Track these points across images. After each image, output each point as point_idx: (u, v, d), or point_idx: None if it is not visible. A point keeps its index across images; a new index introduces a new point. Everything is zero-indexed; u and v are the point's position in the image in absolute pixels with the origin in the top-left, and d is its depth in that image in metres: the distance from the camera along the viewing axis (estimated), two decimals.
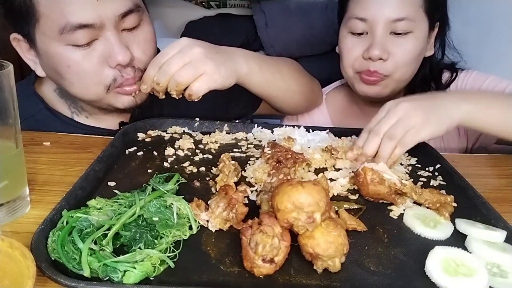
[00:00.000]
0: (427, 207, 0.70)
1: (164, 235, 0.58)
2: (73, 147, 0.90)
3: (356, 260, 0.58)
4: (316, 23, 2.19)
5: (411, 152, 0.90)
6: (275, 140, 0.90)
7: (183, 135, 0.95)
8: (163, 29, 2.45)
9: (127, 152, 0.86)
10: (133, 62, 0.89)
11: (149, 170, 0.79)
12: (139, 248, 0.56)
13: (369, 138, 0.77)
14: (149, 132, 0.95)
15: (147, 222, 0.60)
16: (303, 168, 0.80)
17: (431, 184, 0.79)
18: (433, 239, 0.63)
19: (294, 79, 1.05)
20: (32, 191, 0.71)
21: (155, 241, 0.57)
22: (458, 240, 0.63)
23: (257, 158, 0.84)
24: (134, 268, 0.52)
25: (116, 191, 0.68)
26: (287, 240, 0.55)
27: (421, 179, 0.81)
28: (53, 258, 0.55)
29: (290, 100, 1.06)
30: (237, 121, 1.14)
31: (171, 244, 0.58)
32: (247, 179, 0.78)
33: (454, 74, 1.13)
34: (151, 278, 0.53)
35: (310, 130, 0.96)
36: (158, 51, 1.00)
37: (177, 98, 0.82)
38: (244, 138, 0.96)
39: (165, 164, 0.82)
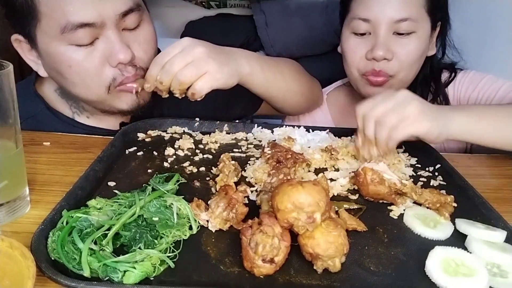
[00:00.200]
0: (427, 207, 0.70)
1: (164, 235, 0.58)
2: (73, 147, 0.90)
3: (356, 260, 0.58)
4: (316, 23, 2.19)
5: (411, 152, 0.90)
6: (275, 140, 0.90)
7: (183, 135, 0.95)
8: (163, 29, 2.45)
9: (127, 152, 0.86)
10: (134, 61, 0.89)
11: (149, 170, 0.79)
12: (139, 248, 0.56)
13: (365, 122, 0.76)
14: (149, 132, 0.95)
15: (147, 222, 0.60)
16: (303, 168, 0.80)
17: (431, 184, 0.79)
18: (433, 239, 0.63)
19: (295, 80, 1.05)
20: (32, 191, 0.71)
21: (155, 241, 0.57)
22: (458, 240, 0.63)
23: (257, 158, 0.84)
24: (134, 268, 0.52)
25: (116, 191, 0.68)
26: (287, 240, 0.55)
27: (421, 179, 0.81)
28: (53, 258, 0.55)
29: (291, 100, 1.06)
30: (237, 121, 1.14)
31: (171, 244, 0.58)
32: (247, 179, 0.78)
33: (453, 74, 1.13)
34: (151, 278, 0.53)
35: (310, 130, 0.96)
36: (158, 51, 1.00)
37: (180, 97, 0.82)
38: (244, 138, 0.96)
39: (165, 164, 0.82)
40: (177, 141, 0.91)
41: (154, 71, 0.82)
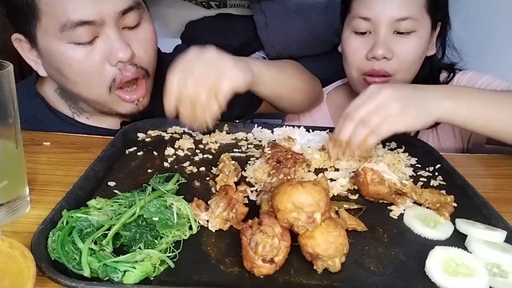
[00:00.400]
0: (427, 207, 0.70)
1: (164, 235, 0.58)
2: (73, 147, 0.90)
3: (356, 260, 0.58)
4: (316, 23, 2.19)
5: (411, 152, 0.90)
6: (275, 140, 0.90)
7: (183, 135, 0.95)
8: (163, 29, 2.45)
9: (127, 152, 0.86)
10: (133, 59, 0.89)
11: (149, 170, 0.79)
12: (139, 248, 0.56)
13: (344, 123, 0.78)
14: (149, 132, 0.95)
15: (147, 222, 0.60)
16: (303, 168, 0.80)
17: (431, 184, 0.79)
18: (433, 239, 0.63)
19: (298, 78, 1.06)
20: (32, 191, 0.71)
21: (155, 241, 0.57)
22: (458, 240, 0.63)
23: (257, 158, 0.84)
24: (134, 268, 0.52)
25: (116, 191, 0.68)
26: (287, 240, 0.55)
27: (421, 179, 0.81)
28: (53, 258, 0.55)
29: (295, 99, 1.07)
30: (237, 121, 1.14)
31: (171, 244, 0.58)
32: (247, 179, 0.78)
33: (452, 74, 1.13)
34: (151, 278, 0.53)
35: (310, 130, 0.96)
36: (159, 50, 1.00)
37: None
38: (244, 138, 0.96)
39: (165, 164, 0.82)
40: (177, 141, 0.91)
41: (176, 81, 0.78)
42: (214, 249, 0.59)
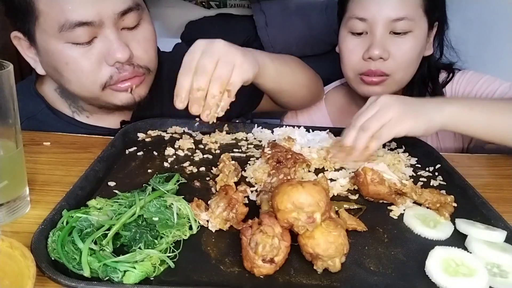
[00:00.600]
0: (427, 207, 0.70)
1: (164, 235, 0.58)
2: (73, 147, 0.90)
3: (356, 260, 0.58)
4: (316, 23, 2.19)
5: (411, 152, 0.90)
6: (275, 140, 0.90)
7: (183, 135, 0.95)
8: (163, 29, 2.45)
9: (127, 152, 0.86)
10: (132, 59, 0.89)
11: (149, 170, 0.79)
12: (139, 248, 0.56)
13: (348, 130, 0.80)
14: (149, 132, 0.95)
15: (147, 222, 0.60)
16: (303, 168, 0.80)
17: (431, 184, 0.79)
18: (433, 239, 0.63)
19: (301, 72, 1.06)
20: (32, 191, 0.71)
21: (155, 241, 0.57)
22: (458, 240, 0.63)
23: (257, 158, 0.84)
24: (134, 268, 0.52)
25: (116, 191, 0.68)
26: (287, 240, 0.55)
27: (421, 179, 0.81)
28: (53, 258, 0.55)
29: (297, 93, 1.07)
30: (237, 121, 1.14)
31: (171, 244, 0.58)
32: (247, 179, 0.78)
33: (451, 75, 1.13)
34: (151, 278, 0.53)
35: (310, 130, 0.96)
36: (158, 50, 1.00)
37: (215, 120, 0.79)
38: (244, 138, 0.96)
39: (165, 164, 0.82)
40: (177, 141, 0.91)
41: (187, 81, 0.76)
42: (214, 249, 0.59)
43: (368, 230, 0.64)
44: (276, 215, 0.56)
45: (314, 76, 1.15)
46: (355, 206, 0.71)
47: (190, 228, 0.61)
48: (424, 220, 0.66)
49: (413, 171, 0.84)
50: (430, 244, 0.60)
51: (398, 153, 0.89)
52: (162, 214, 0.61)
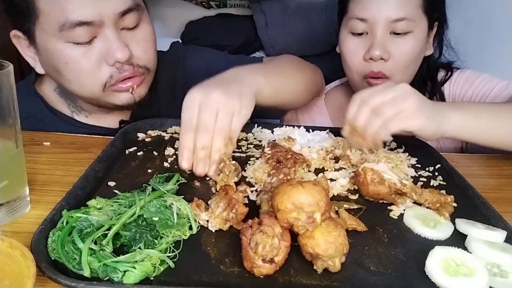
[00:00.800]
0: (427, 207, 0.70)
1: (164, 235, 0.58)
2: (73, 147, 0.90)
3: (356, 260, 0.58)
4: (316, 23, 2.19)
5: (411, 152, 0.90)
6: (275, 140, 0.90)
7: None
8: (163, 29, 2.45)
9: (127, 152, 0.86)
10: (132, 59, 0.89)
11: (149, 170, 0.79)
12: (139, 248, 0.56)
13: (359, 108, 0.75)
14: (149, 132, 0.95)
15: (147, 222, 0.60)
16: (303, 168, 0.80)
17: (431, 184, 0.79)
18: (433, 239, 0.63)
19: (299, 78, 1.04)
20: (32, 191, 0.71)
21: (155, 241, 0.57)
22: (458, 240, 0.63)
23: (257, 158, 0.84)
24: (134, 268, 0.52)
25: (116, 191, 0.68)
26: (287, 240, 0.55)
27: (421, 179, 0.81)
28: (53, 258, 0.55)
29: (298, 99, 1.07)
30: None
31: (171, 244, 0.58)
32: (247, 179, 0.78)
33: (449, 73, 1.13)
34: (151, 278, 0.53)
35: (310, 130, 0.96)
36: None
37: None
38: (244, 138, 0.96)
39: (165, 164, 0.82)
40: (177, 141, 0.91)
41: (189, 139, 0.74)
42: (214, 249, 0.59)
43: (368, 230, 0.64)
44: (276, 215, 0.56)
45: (313, 74, 1.14)
46: (355, 206, 0.71)
47: (190, 228, 0.61)
48: (424, 220, 0.66)
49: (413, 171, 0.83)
50: (430, 244, 0.60)
51: (398, 152, 0.89)
52: (162, 214, 0.61)
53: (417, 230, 0.64)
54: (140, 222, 0.60)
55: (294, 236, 0.56)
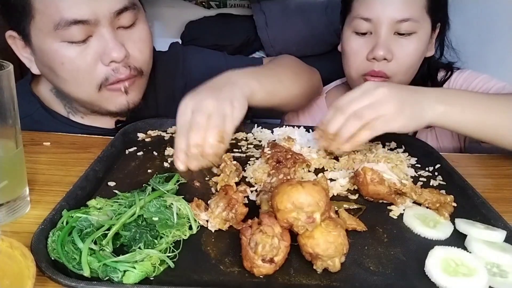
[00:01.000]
0: (427, 207, 0.70)
1: (164, 235, 0.58)
2: (73, 147, 0.90)
3: (356, 260, 0.58)
4: (316, 23, 2.19)
5: (411, 152, 0.90)
6: (275, 140, 0.90)
7: None
8: (163, 29, 2.45)
9: (127, 152, 0.86)
10: (127, 60, 0.89)
11: (149, 170, 0.79)
12: (139, 248, 0.56)
13: (334, 115, 0.77)
14: (149, 132, 0.95)
15: (147, 222, 0.60)
16: (303, 168, 0.80)
17: (431, 184, 0.79)
18: (433, 239, 0.63)
19: (294, 83, 1.04)
20: (32, 191, 0.71)
21: (155, 241, 0.57)
22: (458, 240, 0.63)
23: (257, 158, 0.84)
24: (134, 268, 0.52)
25: (116, 191, 0.68)
26: (287, 240, 0.55)
27: (421, 179, 0.81)
28: (53, 258, 0.55)
29: (293, 103, 1.07)
30: None
31: (171, 244, 0.58)
32: (247, 179, 0.78)
33: (449, 73, 1.14)
34: (151, 278, 0.53)
35: (310, 130, 0.96)
36: (154, 50, 1.00)
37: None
38: (244, 138, 0.96)
39: (165, 164, 0.82)
40: None
41: (183, 142, 0.77)
42: (214, 249, 0.59)
43: (368, 230, 0.64)
44: (276, 215, 0.56)
45: (309, 77, 1.13)
46: (355, 206, 0.71)
47: (190, 228, 0.61)
48: (424, 220, 0.66)
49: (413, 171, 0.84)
50: (430, 244, 0.60)
51: (398, 152, 0.89)
52: (162, 214, 0.61)
53: (417, 230, 0.64)
54: (140, 222, 0.60)
55: (294, 236, 0.56)
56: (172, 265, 0.55)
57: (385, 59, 1.01)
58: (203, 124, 0.75)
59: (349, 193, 0.75)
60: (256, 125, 1.00)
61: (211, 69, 0.92)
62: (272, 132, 0.98)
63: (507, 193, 0.81)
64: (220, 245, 0.60)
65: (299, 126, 0.97)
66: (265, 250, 0.53)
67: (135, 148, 0.88)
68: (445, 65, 1.15)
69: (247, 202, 0.69)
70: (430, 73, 1.13)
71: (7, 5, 0.86)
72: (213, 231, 0.62)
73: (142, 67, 0.93)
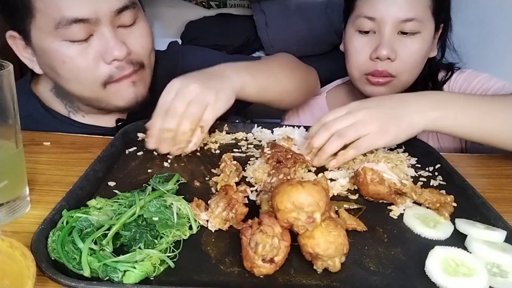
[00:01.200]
0: (427, 207, 0.70)
1: (164, 235, 0.58)
2: (73, 147, 0.90)
3: (356, 260, 0.58)
4: (316, 23, 2.19)
5: (411, 152, 0.90)
6: (275, 140, 0.90)
7: None
8: (163, 29, 2.46)
9: (127, 152, 0.86)
10: (130, 56, 0.89)
11: (149, 170, 0.79)
12: (139, 248, 0.56)
13: (320, 131, 0.79)
14: None
15: (147, 222, 0.60)
16: (303, 168, 0.80)
17: (431, 184, 0.79)
18: (433, 239, 0.63)
19: (289, 79, 1.04)
20: (32, 191, 0.71)
21: (155, 241, 0.57)
22: (458, 240, 0.63)
23: (257, 158, 0.84)
24: (134, 268, 0.52)
25: (116, 191, 0.68)
26: (287, 240, 0.55)
27: (421, 179, 0.81)
28: (53, 258, 0.55)
29: (287, 99, 1.07)
30: (237, 121, 1.14)
31: (171, 244, 0.58)
32: (247, 179, 0.78)
33: (449, 73, 1.13)
34: (151, 278, 0.53)
35: None
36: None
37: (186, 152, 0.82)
38: (244, 138, 0.96)
39: (165, 164, 0.82)
40: None
41: (158, 122, 0.80)
42: (214, 249, 0.59)
43: (368, 230, 0.64)
44: (276, 215, 0.56)
45: (305, 75, 1.13)
46: (355, 206, 0.71)
47: (190, 228, 0.61)
48: (424, 220, 0.66)
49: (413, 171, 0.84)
50: (430, 244, 0.60)
51: (398, 152, 0.89)
52: (162, 214, 0.61)
53: (417, 230, 0.64)
54: (140, 222, 0.60)
55: (294, 236, 0.56)
56: (172, 265, 0.55)
57: (388, 58, 1.00)
58: (181, 110, 0.77)
59: (349, 193, 0.75)
60: (256, 125, 1.00)
61: None
62: (272, 132, 0.98)
63: (507, 193, 0.81)
64: (220, 245, 0.60)
65: (299, 126, 0.97)
66: (265, 250, 0.53)
67: (135, 148, 0.88)
68: (446, 65, 1.15)
69: (247, 202, 0.69)
70: (431, 73, 1.13)
71: (7, 5, 0.86)
72: (213, 231, 0.62)
73: (144, 60, 0.94)
